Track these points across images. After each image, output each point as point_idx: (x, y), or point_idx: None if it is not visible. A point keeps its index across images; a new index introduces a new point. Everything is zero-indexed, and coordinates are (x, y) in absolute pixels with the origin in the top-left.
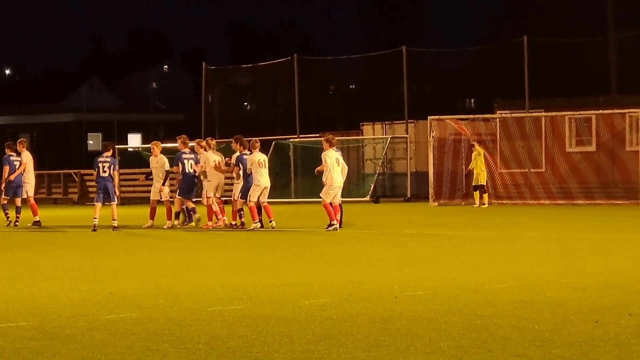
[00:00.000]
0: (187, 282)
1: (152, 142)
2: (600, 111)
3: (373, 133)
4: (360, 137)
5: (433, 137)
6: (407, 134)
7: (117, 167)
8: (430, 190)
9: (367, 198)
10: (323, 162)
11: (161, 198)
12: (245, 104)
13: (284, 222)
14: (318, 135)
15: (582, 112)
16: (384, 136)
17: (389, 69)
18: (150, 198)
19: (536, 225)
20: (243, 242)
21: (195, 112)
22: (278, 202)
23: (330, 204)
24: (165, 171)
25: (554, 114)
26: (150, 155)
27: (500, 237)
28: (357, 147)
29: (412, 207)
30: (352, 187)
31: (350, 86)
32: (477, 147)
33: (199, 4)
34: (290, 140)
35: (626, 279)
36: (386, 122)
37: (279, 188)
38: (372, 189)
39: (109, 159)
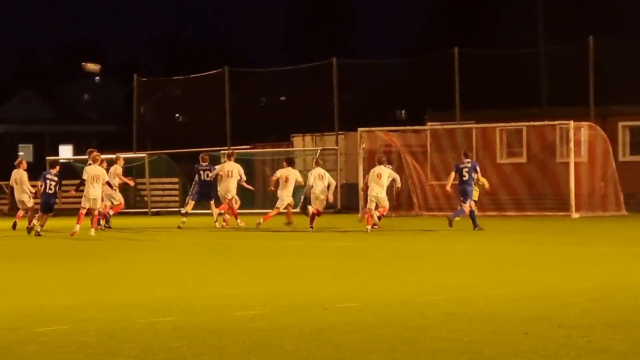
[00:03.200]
0: (119, 294)
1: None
2: (531, 123)
3: (303, 145)
4: (291, 148)
5: (363, 148)
6: (337, 145)
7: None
8: (361, 202)
9: (298, 209)
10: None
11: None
12: (177, 115)
13: (213, 233)
14: (249, 147)
15: (513, 124)
16: (314, 148)
17: (320, 80)
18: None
19: (467, 237)
20: (175, 253)
21: (128, 124)
22: (211, 214)
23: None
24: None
25: (484, 125)
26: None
27: (431, 248)
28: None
29: (343, 219)
30: None
31: (281, 98)
32: None
33: (131, 16)
34: (222, 151)
35: (556, 290)
36: (316, 134)
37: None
38: (302, 200)
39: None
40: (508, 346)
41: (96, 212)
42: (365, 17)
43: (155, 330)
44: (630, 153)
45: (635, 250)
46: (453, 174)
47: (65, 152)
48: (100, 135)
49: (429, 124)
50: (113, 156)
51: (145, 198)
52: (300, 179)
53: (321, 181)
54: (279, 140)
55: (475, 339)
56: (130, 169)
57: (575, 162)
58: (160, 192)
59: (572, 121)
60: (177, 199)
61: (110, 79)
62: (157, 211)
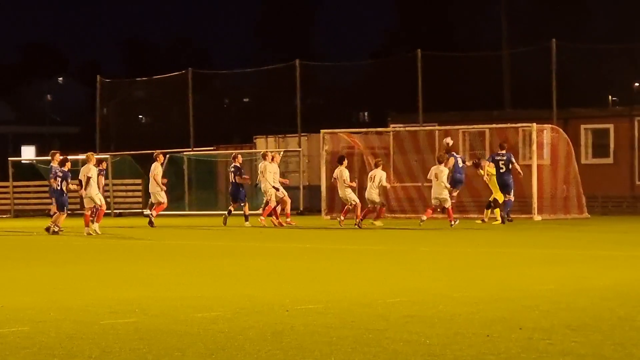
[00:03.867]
0: (80, 295)
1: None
2: (494, 125)
3: (266, 146)
4: (254, 150)
5: (326, 150)
6: (300, 147)
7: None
8: (323, 204)
9: (260, 211)
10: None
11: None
12: (141, 117)
13: (177, 235)
14: (212, 148)
15: (475, 126)
16: (277, 149)
17: (283, 82)
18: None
19: (429, 239)
20: (137, 254)
21: (91, 125)
22: (172, 215)
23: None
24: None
25: (447, 127)
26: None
27: (393, 251)
28: (250, 161)
29: (305, 221)
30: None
31: (245, 100)
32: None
33: (94, 17)
34: (185, 153)
35: (517, 292)
36: (279, 136)
37: (173, 201)
38: (265, 202)
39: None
40: (469, 348)
41: (86, 213)
42: (329, 19)
43: (116, 331)
44: (593, 156)
45: (596, 253)
46: (488, 163)
47: (28, 153)
48: (63, 137)
49: (391, 125)
50: (76, 157)
51: (108, 199)
52: (347, 176)
53: (371, 183)
54: (242, 142)
55: (437, 341)
56: None
57: (537, 165)
58: (124, 194)
59: (534, 124)
60: (140, 200)
61: (73, 80)
62: (120, 212)
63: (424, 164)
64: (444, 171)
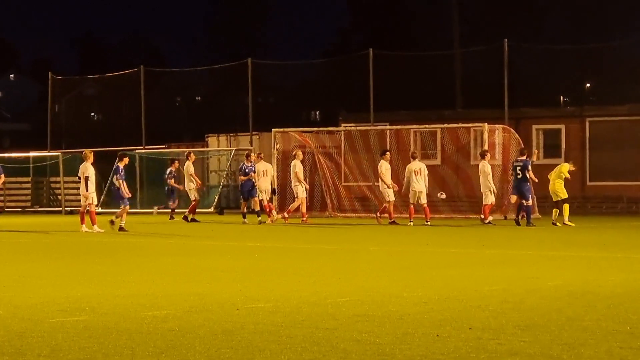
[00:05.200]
0: (30, 294)
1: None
2: (445, 125)
3: (218, 145)
4: (205, 148)
5: (277, 149)
6: (252, 146)
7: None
8: (275, 203)
9: (212, 209)
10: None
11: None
12: (92, 114)
13: (127, 232)
14: (164, 146)
15: (427, 126)
16: (229, 148)
17: (235, 80)
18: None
19: (379, 239)
20: (87, 252)
21: (42, 122)
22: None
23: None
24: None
25: (399, 127)
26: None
27: (343, 250)
28: (202, 159)
29: (256, 219)
30: None
31: (197, 98)
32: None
33: (47, 13)
34: (137, 151)
35: (467, 293)
36: (231, 134)
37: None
38: (216, 200)
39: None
40: (419, 348)
41: (90, 209)
42: (281, 18)
43: (65, 330)
44: (544, 156)
45: (546, 254)
46: (510, 171)
47: None
48: (14, 134)
49: (342, 125)
50: (25, 154)
51: (60, 197)
52: (384, 170)
53: (417, 177)
54: (194, 140)
55: (386, 341)
56: (44, 168)
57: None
58: (75, 191)
59: (486, 124)
60: None
61: (24, 77)
62: (71, 210)
63: (375, 163)
64: (486, 165)
